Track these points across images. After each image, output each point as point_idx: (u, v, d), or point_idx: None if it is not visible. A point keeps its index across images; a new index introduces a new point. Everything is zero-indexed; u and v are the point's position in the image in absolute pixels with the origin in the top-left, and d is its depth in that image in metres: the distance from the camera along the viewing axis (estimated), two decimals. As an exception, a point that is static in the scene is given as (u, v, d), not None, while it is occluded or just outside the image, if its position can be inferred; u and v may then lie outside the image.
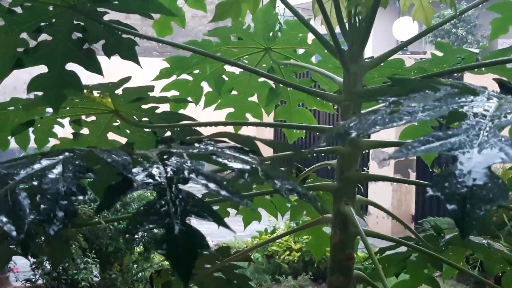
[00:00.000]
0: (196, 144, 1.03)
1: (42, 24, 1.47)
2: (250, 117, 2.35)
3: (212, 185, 0.88)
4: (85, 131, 1.98)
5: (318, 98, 2.09)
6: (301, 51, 2.16)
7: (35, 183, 0.81)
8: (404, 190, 8.64)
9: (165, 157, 0.94)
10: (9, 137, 1.90)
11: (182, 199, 0.84)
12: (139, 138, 1.96)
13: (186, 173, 0.89)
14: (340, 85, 1.59)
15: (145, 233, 5.85)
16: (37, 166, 0.84)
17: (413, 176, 8.35)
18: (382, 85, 1.56)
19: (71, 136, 1.97)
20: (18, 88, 9.92)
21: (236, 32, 2.07)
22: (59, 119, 1.95)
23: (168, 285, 1.97)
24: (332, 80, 1.68)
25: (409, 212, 8.63)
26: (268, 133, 11.55)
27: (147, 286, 5.88)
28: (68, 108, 1.87)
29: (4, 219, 0.75)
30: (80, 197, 0.82)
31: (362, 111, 1.54)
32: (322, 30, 1.71)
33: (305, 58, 2.15)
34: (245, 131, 2.02)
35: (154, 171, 0.88)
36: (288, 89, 2.21)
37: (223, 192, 0.88)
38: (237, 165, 0.92)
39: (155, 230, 0.88)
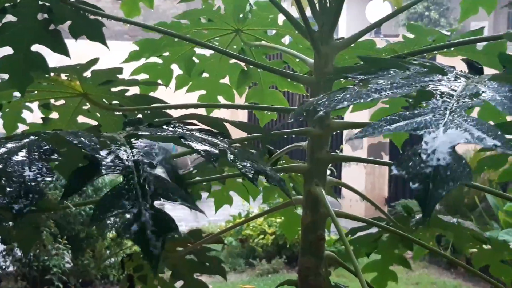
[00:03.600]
0: (165, 127, 1.02)
1: (7, 5, 1.44)
2: (222, 99, 2.33)
3: (174, 171, 0.87)
4: (54, 115, 1.96)
5: (289, 80, 2.08)
6: (272, 32, 2.15)
7: (0, 166, 0.79)
8: (377, 173, 8.72)
9: (132, 139, 0.93)
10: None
11: (151, 182, 0.83)
12: (110, 121, 1.94)
13: (152, 156, 0.88)
14: (311, 66, 1.59)
15: (117, 218, 5.82)
16: (1, 150, 0.83)
17: (386, 159, 8.42)
18: (352, 65, 1.56)
19: (40, 121, 1.94)
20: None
21: (206, 14, 2.05)
22: (27, 104, 1.92)
23: (140, 268, 1.96)
24: (303, 61, 1.67)
25: (382, 195, 8.72)
26: (242, 116, 11.54)
27: (120, 272, 5.86)
28: (36, 92, 1.84)
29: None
30: (47, 179, 0.80)
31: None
32: (293, 11, 1.70)
33: (276, 39, 2.14)
34: (219, 113, 2.01)
35: (121, 154, 0.87)
36: (259, 70, 2.20)
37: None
38: (205, 148, 0.91)
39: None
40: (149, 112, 1.81)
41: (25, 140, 0.86)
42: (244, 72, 2.24)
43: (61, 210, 3.75)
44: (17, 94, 1.82)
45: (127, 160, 0.86)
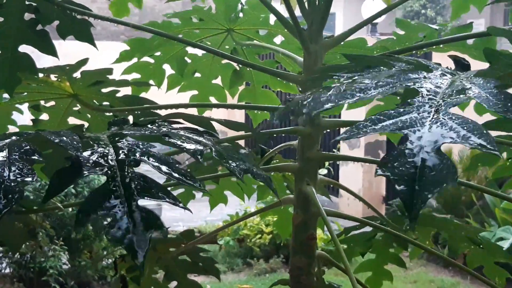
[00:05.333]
0: (150, 126, 1.01)
1: (-7, 5, 1.43)
2: (214, 100, 2.32)
3: (164, 168, 0.86)
4: (45, 116, 1.94)
5: (280, 79, 2.07)
6: (263, 32, 2.14)
7: (-22, 166, 0.78)
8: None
9: (116, 139, 0.92)
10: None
11: (135, 181, 0.82)
12: (101, 122, 1.92)
13: (138, 155, 0.87)
14: (301, 65, 1.58)
15: (107, 221, 5.79)
16: (-19, 151, 0.81)
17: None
18: (339, 63, 1.55)
19: (31, 123, 1.93)
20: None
21: (197, 14, 2.04)
22: (17, 105, 1.91)
23: (133, 269, 1.95)
24: (294, 60, 1.66)
25: (380, 194, 8.71)
26: (239, 116, 11.52)
27: (113, 272, 5.85)
28: (25, 93, 1.83)
29: None
30: (27, 179, 0.79)
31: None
32: (284, 10, 1.69)
33: (267, 39, 2.13)
34: (216, 113, 2.01)
35: (105, 153, 0.86)
36: (252, 70, 2.19)
37: (175, 175, 0.86)
38: (190, 146, 0.90)
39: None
40: (139, 112, 1.80)
41: (6, 141, 0.85)
42: (237, 72, 2.23)
43: (52, 211, 3.74)
44: (6, 95, 1.81)
45: (110, 160, 0.85)
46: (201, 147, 0.90)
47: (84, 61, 1.71)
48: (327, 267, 1.90)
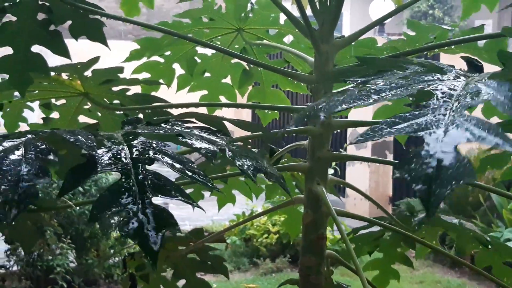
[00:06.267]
0: (163, 125, 1.02)
1: (6, 4, 1.44)
2: (224, 99, 2.33)
3: (177, 165, 0.87)
4: (55, 115, 1.96)
5: (290, 79, 2.07)
6: (273, 31, 2.15)
7: (-5, 164, 0.79)
8: (381, 172, 8.70)
9: (130, 137, 0.93)
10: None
11: (149, 179, 0.83)
12: (111, 121, 1.93)
13: (151, 153, 0.88)
14: (312, 65, 1.58)
15: (121, 217, 5.81)
16: (-2, 148, 0.82)
17: (390, 158, 8.40)
18: (352, 65, 1.55)
19: (41, 121, 1.94)
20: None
21: (207, 13, 2.05)
22: (28, 103, 1.92)
23: (142, 267, 1.96)
24: (304, 60, 1.66)
25: (386, 194, 8.70)
26: (246, 115, 11.53)
27: (122, 271, 5.86)
28: (37, 91, 1.84)
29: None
30: (42, 180, 0.80)
31: (335, 91, 1.53)
32: (294, 10, 1.69)
33: (277, 38, 2.14)
34: (223, 113, 2.01)
35: (119, 152, 0.87)
36: (261, 70, 2.20)
37: (189, 173, 0.87)
38: (203, 145, 0.91)
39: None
40: (150, 111, 1.81)
41: (22, 139, 0.86)
42: (246, 72, 2.23)
43: (63, 209, 3.76)
44: (17, 93, 1.82)
45: (124, 158, 0.85)
46: (214, 147, 0.91)
47: (95, 60, 1.72)
48: (334, 266, 1.91)
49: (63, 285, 5.15)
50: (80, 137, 0.85)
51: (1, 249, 5.24)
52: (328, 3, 1.49)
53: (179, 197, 0.82)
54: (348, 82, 1.00)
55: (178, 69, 2.20)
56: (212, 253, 1.97)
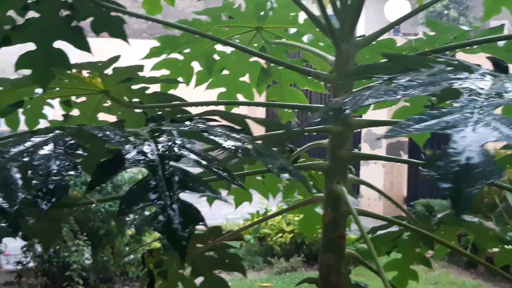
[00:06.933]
0: (187, 122, 1.02)
1: (29, 1, 1.45)
2: (241, 97, 2.34)
3: (203, 162, 0.87)
4: (75, 112, 1.97)
5: (310, 78, 2.07)
6: (292, 30, 2.15)
7: (26, 159, 0.79)
8: (396, 172, 8.67)
9: (156, 134, 0.93)
10: (-1, 119, 1.88)
11: (175, 175, 0.84)
12: (130, 119, 1.94)
13: (177, 150, 0.89)
14: (332, 64, 1.58)
15: (136, 215, 5.85)
16: (28, 143, 0.83)
17: (405, 157, 8.37)
18: (375, 62, 1.55)
19: (61, 118, 1.96)
20: (6, 71, 9.84)
21: (227, 11, 2.05)
22: (49, 100, 1.94)
23: (160, 264, 1.97)
24: (324, 59, 1.66)
25: (401, 194, 8.67)
26: (260, 114, 11.53)
27: (139, 268, 5.89)
28: (57, 88, 1.85)
29: (-4, 194, 0.74)
30: (72, 173, 0.80)
31: (355, 90, 1.53)
32: (315, 9, 1.69)
33: (296, 37, 2.14)
34: (238, 111, 2.02)
35: (146, 148, 0.87)
36: (280, 68, 2.20)
37: (215, 170, 0.87)
38: (229, 144, 0.91)
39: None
40: (169, 109, 1.82)
41: (51, 134, 0.87)
42: (264, 70, 2.24)
43: (84, 205, 3.78)
44: (39, 90, 1.83)
45: (151, 154, 0.86)
46: (239, 145, 0.91)
47: (115, 58, 1.73)
48: (353, 266, 1.91)
49: (79, 282, 5.19)
50: (108, 132, 0.86)
51: (17, 246, 5.28)
52: (348, 2, 1.49)
53: (207, 192, 0.83)
54: (370, 80, 1.00)
55: (196, 67, 2.21)
56: (229, 251, 1.97)
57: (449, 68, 0.92)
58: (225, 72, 2.26)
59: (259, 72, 2.25)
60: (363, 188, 8.67)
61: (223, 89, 2.30)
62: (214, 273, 1.98)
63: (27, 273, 5.38)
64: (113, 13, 1.50)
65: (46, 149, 0.83)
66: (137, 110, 1.91)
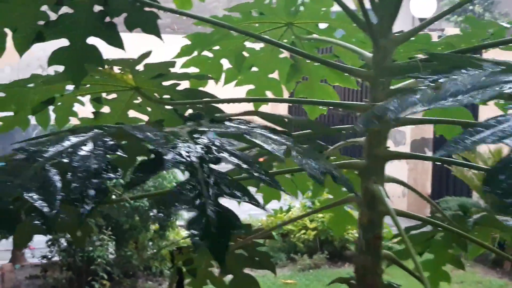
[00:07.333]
0: (227, 123, 0.99)
1: (64, -3, 1.43)
2: (269, 94, 2.31)
3: (244, 166, 0.85)
4: (105, 109, 1.96)
5: (346, 74, 2.04)
6: (323, 25, 2.11)
7: (65, 160, 0.77)
8: (420, 169, 8.58)
9: (195, 135, 0.91)
10: (29, 116, 1.87)
11: (215, 178, 0.81)
12: (160, 115, 1.92)
13: (217, 152, 0.86)
14: (368, 60, 1.54)
15: (159, 211, 5.84)
16: (66, 143, 0.81)
17: (429, 155, 8.28)
18: (411, 61, 1.51)
19: (90, 115, 1.94)
20: (31, 65, 9.92)
21: (257, 7, 2.02)
22: (79, 97, 1.92)
23: (190, 262, 1.95)
24: (360, 55, 1.63)
25: (425, 192, 8.58)
26: (282, 110, 11.48)
27: (163, 264, 5.90)
28: (88, 85, 1.84)
29: (35, 196, 0.72)
30: (111, 175, 0.78)
31: (392, 87, 1.50)
32: (349, 3, 1.65)
33: (328, 32, 2.10)
34: (263, 108, 1.99)
35: (185, 149, 0.85)
36: (309, 64, 2.16)
37: (256, 174, 0.85)
38: (272, 147, 0.88)
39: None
40: (201, 106, 1.80)
41: (89, 134, 0.85)
42: (294, 66, 2.20)
43: (117, 203, 3.78)
44: (70, 87, 1.82)
45: (191, 156, 0.83)
46: (282, 147, 0.88)
47: (147, 54, 1.71)
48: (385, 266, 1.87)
49: (104, 276, 5.20)
50: (149, 133, 0.83)
51: (42, 240, 5.31)
52: (387, -3, 1.45)
53: (247, 199, 0.80)
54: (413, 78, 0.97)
55: (225, 64, 2.19)
56: (259, 249, 1.95)
57: (498, 69, 0.88)
58: (254, 69, 2.24)
59: (288, 68, 2.22)
60: (386, 185, 8.59)
61: (251, 86, 2.28)
62: (243, 271, 1.96)
63: (52, 267, 5.42)
64: (147, 9, 1.48)
65: (85, 150, 0.81)
66: (167, 107, 1.89)
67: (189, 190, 0.79)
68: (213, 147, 0.86)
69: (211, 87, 2.03)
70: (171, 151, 0.84)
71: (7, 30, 1.48)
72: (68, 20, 1.44)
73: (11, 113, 1.86)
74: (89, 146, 0.81)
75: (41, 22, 1.45)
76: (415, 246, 1.97)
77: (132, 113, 1.95)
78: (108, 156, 0.80)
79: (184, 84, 1.85)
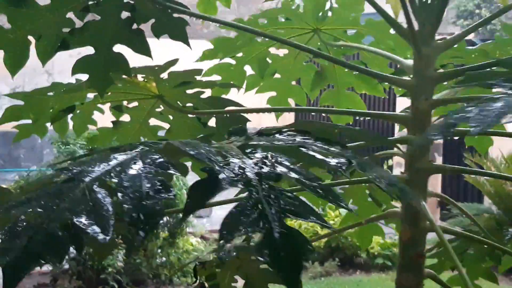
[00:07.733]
0: (278, 136, 0.92)
1: (90, 3, 1.37)
2: (292, 102, 2.25)
3: (306, 182, 0.78)
4: (125, 117, 1.89)
5: (375, 81, 1.97)
6: (351, 31, 2.04)
7: (114, 180, 0.70)
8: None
9: (247, 150, 0.84)
10: (47, 124, 1.81)
11: (276, 197, 0.74)
12: (183, 124, 1.86)
13: (275, 168, 0.79)
14: (408, 68, 1.47)
15: (169, 218, 5.79)
16: (113, 162, 0.74)
17: (439, 160, 8.21)
18: (458, 69, 1.43)
19: (109, 124, 1.88)
20: (37, 69, 9.87)
21: (284, 13, 1.96)
22: (99, 105, 1.86)
23: (212, 277, 1.89)
24: (398, 62, 1.55)
25: (435, 198, 8.48)
26: (288, 117, 11.38)
27: (172, 271, 5.83)
28: (109, 93, 1.77)
29: (86, 221, 0.65)
30: (164, 195, 0.71)
31: (435, 97, 1.42)
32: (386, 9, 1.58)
33: (356, 39, 2.03)
34: (269, 116, 1.92)
35: (242, 166, 0.78)
36: (335, 71, 2.09)
37: (319, 191, 0.77)
38: (333, 160, 0.81)
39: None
40: (227, 115, 1.73)
41: (136, 151, 0.78)
42: (319, 74, 2.14)
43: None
44: (90, 95, 1.75)
45: (248, 173, 0.76)
46: (343, 161, 0.81)
47: (173, 62, 1.65)
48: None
49: (114, 286, 5.14)
50: (202, 150, 0.76)
51: (51, 248, 5.24)
52: (429, 1, 1.38)
53: (314, 219, 0.73)
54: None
55: (248, 70, 2.12)
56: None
57: None
58: (277, 76, 2.17)
59: (313, 75, 2.15)
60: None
61: (273, 93, 2.21)
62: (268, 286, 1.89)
63: (62, 276, 5.34)
64: (176, 15, 1.41)
65: (135, 168, 0.73)
66: (189, 115, 1.83)
67: (250, 211, 0.72)
68: (271, 163, 0.79)
69: (232, 93, 1.97)
70: (226, 168, 0.77)
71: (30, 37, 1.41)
72: (94, 27, 1.37)
73: (29, 121, 1.80)
74: (138, 165, 0.74)
75: (66, 29, 1.38)
76: (447, 261, 1.91)
77: (154, 122, 1.89)
78: (159, 175, 0.73)
79: (207, 92, 1.79)
